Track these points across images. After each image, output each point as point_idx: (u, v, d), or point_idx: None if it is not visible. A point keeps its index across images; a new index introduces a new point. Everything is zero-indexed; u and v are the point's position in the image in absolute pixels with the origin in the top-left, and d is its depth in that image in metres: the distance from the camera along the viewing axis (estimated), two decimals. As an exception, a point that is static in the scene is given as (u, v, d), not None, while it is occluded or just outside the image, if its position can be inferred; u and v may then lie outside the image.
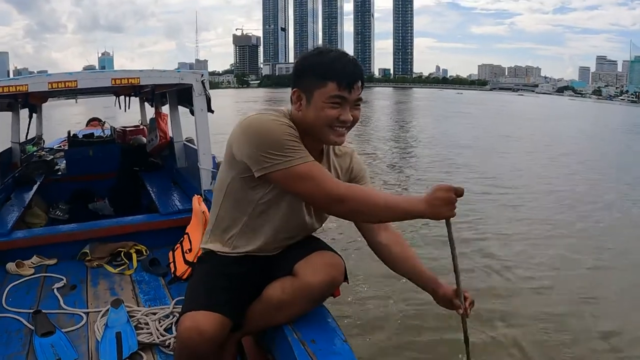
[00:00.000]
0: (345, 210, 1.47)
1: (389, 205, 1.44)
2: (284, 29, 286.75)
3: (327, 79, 1.45)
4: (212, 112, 3.24)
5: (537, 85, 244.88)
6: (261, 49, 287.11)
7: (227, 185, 1.59)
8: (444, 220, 1.44)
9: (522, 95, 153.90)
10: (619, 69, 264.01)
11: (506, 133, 21.03)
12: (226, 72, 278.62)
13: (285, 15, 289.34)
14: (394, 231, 1.72)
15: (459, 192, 1.38)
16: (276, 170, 1.43)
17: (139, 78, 3.10)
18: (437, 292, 1.63)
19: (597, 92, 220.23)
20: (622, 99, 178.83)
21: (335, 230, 5.54)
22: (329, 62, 1.46)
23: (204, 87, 3.20)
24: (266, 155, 1.42)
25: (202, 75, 3.22)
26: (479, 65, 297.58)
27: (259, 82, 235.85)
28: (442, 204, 1.37)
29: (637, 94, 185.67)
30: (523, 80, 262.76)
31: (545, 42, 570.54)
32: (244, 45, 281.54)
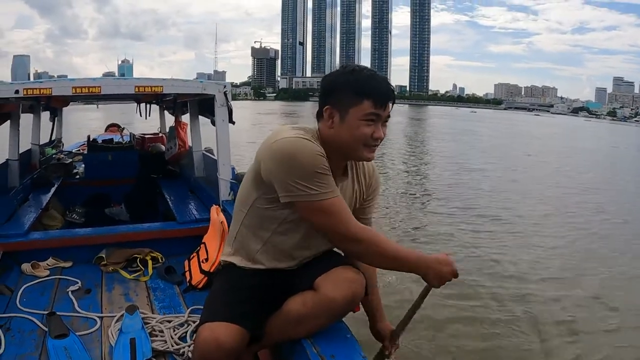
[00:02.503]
0: (356, 251, 1.53)
1: (397, 258, 1.53)
2: (302, 43, 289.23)
3: (364, 97, 1.47)
4: (233, 123, 3.26)
5: (552, 106, 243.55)
6: (279, 62, 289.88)
7: (252, 202, 1.60)
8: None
9: (538, 115, 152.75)
10: (636, 90, 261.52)
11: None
12: (244, 84, 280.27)
13: (304, 30, 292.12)
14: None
15: (456, 276, 1.54)
16: (301, 200, 1.45)
17: (162, 87, 3.13)
18: (377, 324, 1.81)
19: (612, 113, 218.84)
20: (636, 120, 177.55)
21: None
22: (364, 80, 1.48)
23: (226, 98, 3.22)
24: (294, 184, 1.43)
25: (225, 86, 3.25)
26: (495, 84, 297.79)
27: (275, 94, 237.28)
28: (443, 278, 1.53)
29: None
30: (539, 100, 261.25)
31: (562, 62, 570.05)
32: (262, 58, 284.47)
